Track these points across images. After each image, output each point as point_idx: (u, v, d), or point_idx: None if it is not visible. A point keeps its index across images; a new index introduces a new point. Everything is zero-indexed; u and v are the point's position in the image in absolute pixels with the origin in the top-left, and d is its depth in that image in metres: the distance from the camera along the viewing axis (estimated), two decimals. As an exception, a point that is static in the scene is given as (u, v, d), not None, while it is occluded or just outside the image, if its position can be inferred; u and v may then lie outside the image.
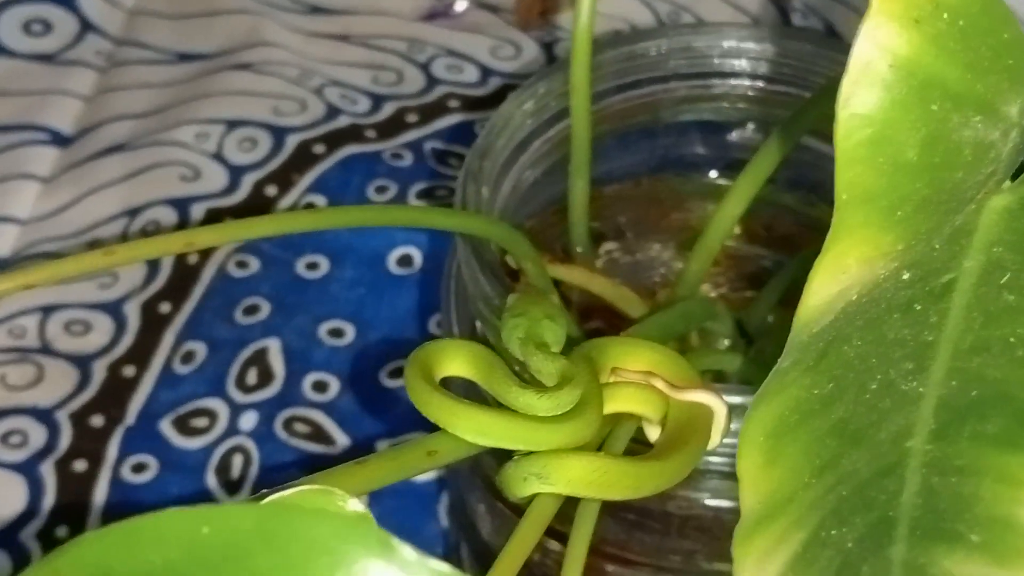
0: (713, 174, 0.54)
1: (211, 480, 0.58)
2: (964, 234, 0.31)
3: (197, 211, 0.67)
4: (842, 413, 0.33)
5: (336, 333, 0.63)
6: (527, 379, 0.36)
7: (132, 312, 0.63)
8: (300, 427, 0.59)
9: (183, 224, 0.66)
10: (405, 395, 0.35)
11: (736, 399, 0.39)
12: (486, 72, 0.73)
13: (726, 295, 0.54)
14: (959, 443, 0.33)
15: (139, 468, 0.58)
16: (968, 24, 0.27)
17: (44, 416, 0.60)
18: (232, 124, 0.70)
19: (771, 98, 0.51)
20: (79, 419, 0.60)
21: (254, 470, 0.58)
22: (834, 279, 0.29)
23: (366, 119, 0.71)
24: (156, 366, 0.62)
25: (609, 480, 0.34)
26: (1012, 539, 0.32)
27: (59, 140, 0.70)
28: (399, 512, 0.57)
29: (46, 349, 0.62)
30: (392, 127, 0.71)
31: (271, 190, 0.68)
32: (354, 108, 0.71)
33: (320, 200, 0.67)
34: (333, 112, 0.71)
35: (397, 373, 0.61)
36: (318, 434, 0.59)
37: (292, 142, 0.70)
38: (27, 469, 0.58)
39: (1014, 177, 0.31)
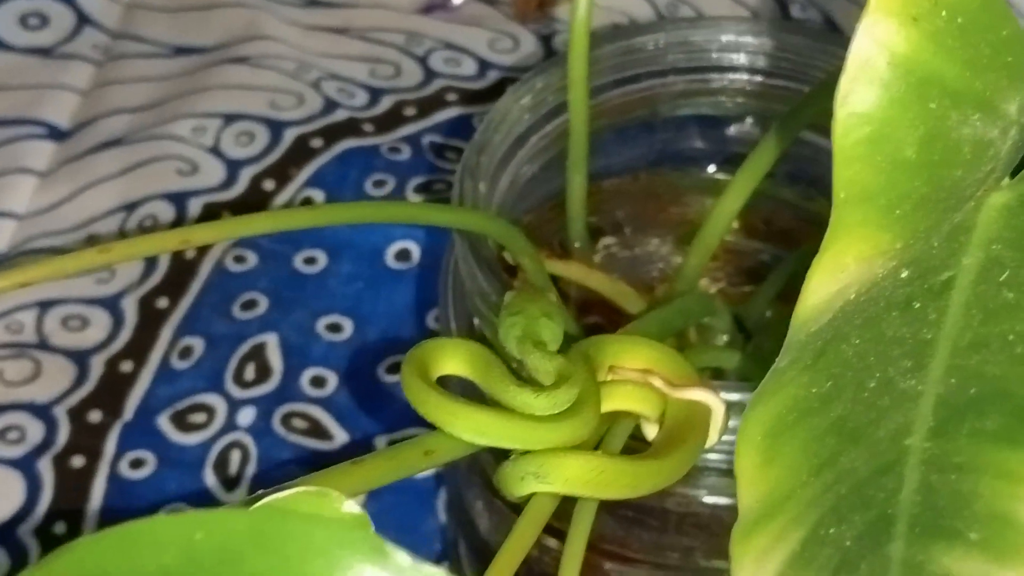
0: (711, 168, 0.54)
1: (209, 476, 0.58)
2: (963, 231, 0.31)
3: (194, 206, 0.67)
4: (840, 411, 0.33)
5: (334, 328, 0.63)
6: (524, 377, 0.36)
7: (129, 307, 0.63)
8: (298, 423, 0.59)
9: (180, 219, 0.66)
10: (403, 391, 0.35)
11: (734, 396, 0.39)
12: (484, 65, 0.73)
13: (725, 290, 0.54)
14: (958, 440, 0.33)
15: (137, 464, 0.58)
16: (967, 21, 0.26)
17: (42, 412, 0.60)
18: (229, 118, 0.70)
19: (769, 92, 0.51)
20: (77, 415, 0.60)
21: (252, 466, 0.58)
22: (832, 278, 0.29)
23: (364, 113, 0.71)
24: (154, 361, 0.61)
25: (607, 479, 0.34)
26: (1011, 536, 0.32)
27: (56, 134, 0.70)
28: (398, 508, 0.57)
29: (43, 344, 0.62)
30: (390, 121, 0.71)
31: (269, 184, 0.68)
32: (352, 102, 0.71)
33: (318, 194, 0.67)
34: (331, 106, 0.71)
35: (395, 368, 0.61)
36: (316, 430, 0.59)
37: (290, 136, 0.69)
38: (25, 465, 0.58)
39: (1013, 174, 0.31)
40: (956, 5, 0.26)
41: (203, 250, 0.65)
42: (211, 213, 0.66)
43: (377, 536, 0.21)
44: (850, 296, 0.29)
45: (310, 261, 0.65)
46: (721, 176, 0.54)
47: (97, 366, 0.61)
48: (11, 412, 0.59)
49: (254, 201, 0.67)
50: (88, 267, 0.37)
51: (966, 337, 0.33)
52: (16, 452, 0.58)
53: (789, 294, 0.40)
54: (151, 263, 0.64)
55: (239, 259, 0.64)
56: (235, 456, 0.58)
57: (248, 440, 0.59)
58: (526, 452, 0.34)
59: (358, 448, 0.59)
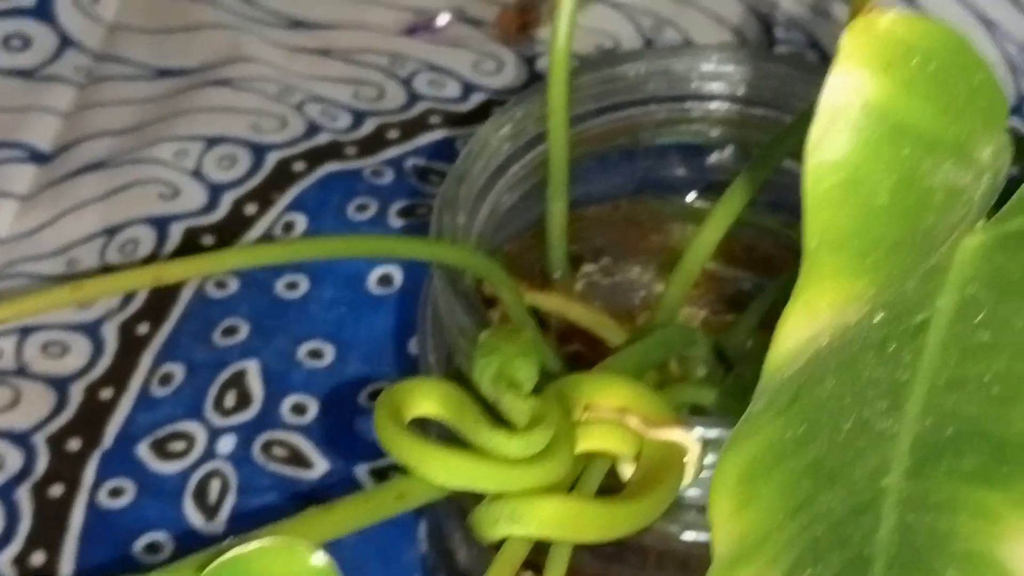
0: (693, 196, 0.54)
1: (188, 505, 0.57)
2: (938, 273, 0.31)
3: (176, 230, 0.66)
4: (816, 453, 0.33)
5: (315, 354, 0.62)
6: (500, 417, 0.35)
7: (110, 334, 0.63)
8: (278, 451, 0.59)
9: (162, 243, 0.66)
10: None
11: (713, 433, 0.39)
12: (468, 88, 0.73)
13: (707, 318, 0.54)
14: (935, 480, 0.33)
15: (116, 492, 0.58)
16: (939, 68, 0.26)
17: (21, 440, 0.59)
18: (212, 141, 0.70)
19: (750, 121, 0.51)
20: (56, 443, 0.59)
21: (231, 495, 0.58)
22: (805, 324, 0.28)
23: (347, 136, 0.70)
24: (134, 388, 0.61)
25: (581, 522, 0.34)
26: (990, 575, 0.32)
27: (37, 157, 0.70)
28: (380, 538, 0.56)
29: (23, 371, 0.61)
30: (373, 144, 0.70)
31: (251, 208, 0.67)
32: (335, 124, 0.71)
33: (300, 219, 0.67)
34: (313, 129, 0.71)
35: (376, 395, 0.61)
36: (296, 458, 0.59)
37: (272, 160, 0.69)
38: (3, 494, 0.57)
39: (989, 216, 0.31)
40: (928, 52, 0.26)
41: (184, 275, 0.64)
42: (193, 238, 0.66)
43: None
44: (823, 341, 0.29)
45: (292, 286, 0.64)
46: (702, 204, 0.54)
47: (77, 393, 0.61)
48: (-11, 440, 0.59)
49: (236, 225, 0.66)
50: (60, 305, 0.37)
51: (942, 377, 0.33)
52: (-6, 481, 0.58)
53: (770, 323, 0.39)
54: (132, 288, 0.64)
55: (220, 285, 0.64)
56: (215, 485, 0.58)
57: (228, 469, 0.58)
58: (500, 495, 0.34)
59: (339, 477, 0.59)
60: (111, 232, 0.66)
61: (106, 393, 0.61)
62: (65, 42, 0.75)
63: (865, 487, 0.33)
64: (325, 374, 0.62)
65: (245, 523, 0.57)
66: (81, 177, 0.69)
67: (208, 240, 0.66)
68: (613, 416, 0.36)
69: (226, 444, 0.59)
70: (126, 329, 0.63)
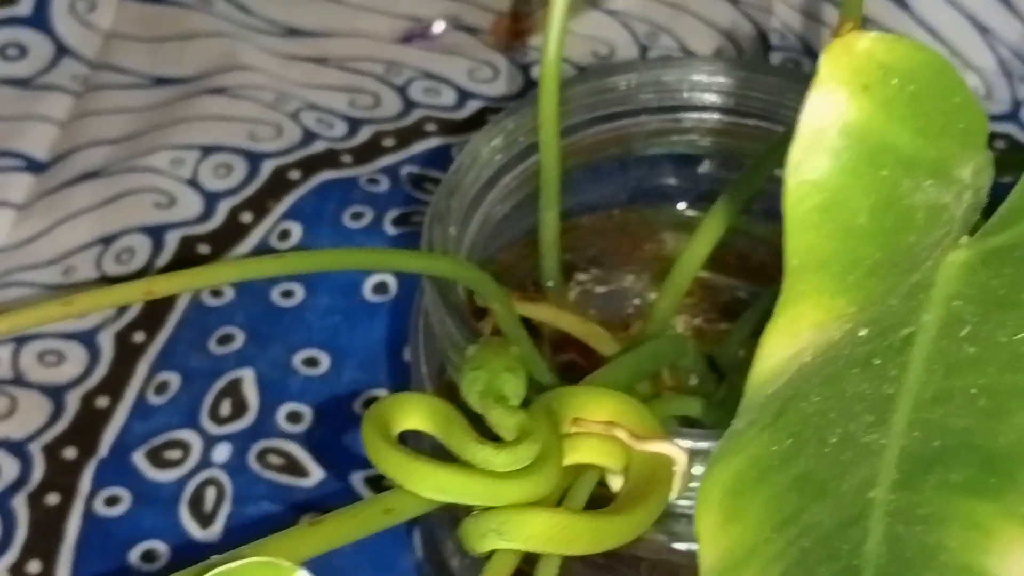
0: (686, 205, 0.54)
1: (184, 513, 0.58)
2: (922, 289, 0.31)
3: (172, 239, 0.66)
4: (802, 467, 0.33)
5: (311, 362, 0.62)
6: (488, 431, 0.36)
7: (106, 342, 0.63)
8: (274, 459, 0.59)
9: (157, 252, 0.66)
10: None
11: (702, 444, 0.39)
12: (463, 95, 0.73)
13: (701, 327, 0.54)
14: (923, 492, 0.33)
15: (112, 501, 0.58)
16: (918, 89, 0.26)
17: (16, 448, 0.60)
18: (207, 150, 0.70)
19: (741, 131, 0.51)
20: (52, 451, 0.59)
21: (227, 503, 0.58)
22: (787, 343, 0.29)
23: (342, 144, 0.71)
24: (130, 397, 0.61)
25: (568, 536, 0.34)
26: (980, 588, 0.32)
27: (34, 166, 0.70)
28: (374, 545, 0.56)
29: (19, 380, 0.62)
30: (369, 152, 0.70)
31: (246, 217, 0.67)
32: (330, 132, 0.71)
33: (295, 227, 0.67)
34: (309, 137, 0.71)
35: (372, 403, 0.61)
36: (292, 466, 0.59)
37: (268, 168, 0.69)
38: (-1, 503, 0.58)
39: (972, 232, 0.31)
40: (907, 73, 0.26)
41: (180, 284, 0.64)
42: (188, 246, 0.66)
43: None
44: (806, 359, 0.29)
45: (287, 294, 0.65)
46: (695, 213, 0.54)
47: (73, 402, 0.61)
48: (-14, 449, 0.59)
49: (232, 234, 0.66)
50: (50, 320, 0.37)
51: (928, 391, 0.33)
52: (-9, 490, 0.58)
53: (763, 332, 0.40)
54: (128, 297, 0.64)
55: (216, 293, 0.64)
56: (210, 493, 0.58)
57: (223, 477, 0.59)
58: (488, 508, 0.34)
59: (334, 485, 0.59)
60: (107, 241, 0.66)
61: (102, 402, 0.61)
62: (61, 51, 0.75)
63: (853, 500, 0.34)
64: (320, 382, 0.62)
65: (241, 531, 0.58)
66: (77, 186, 0.69)
67: (204, 249, 0.66)
68: (601, 429, 0.37)
69: (222, 452, 0.59)
70: (122, 338, 0.63)
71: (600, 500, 0.38)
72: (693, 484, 0.39)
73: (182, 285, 0.35)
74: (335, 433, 0.60)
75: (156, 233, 0.67)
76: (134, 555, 0.57)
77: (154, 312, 0.64)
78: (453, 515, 0.48)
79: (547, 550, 0.34)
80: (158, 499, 0.58)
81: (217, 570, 0.27)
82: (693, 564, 0.44)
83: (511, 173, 0.49)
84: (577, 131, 0.51)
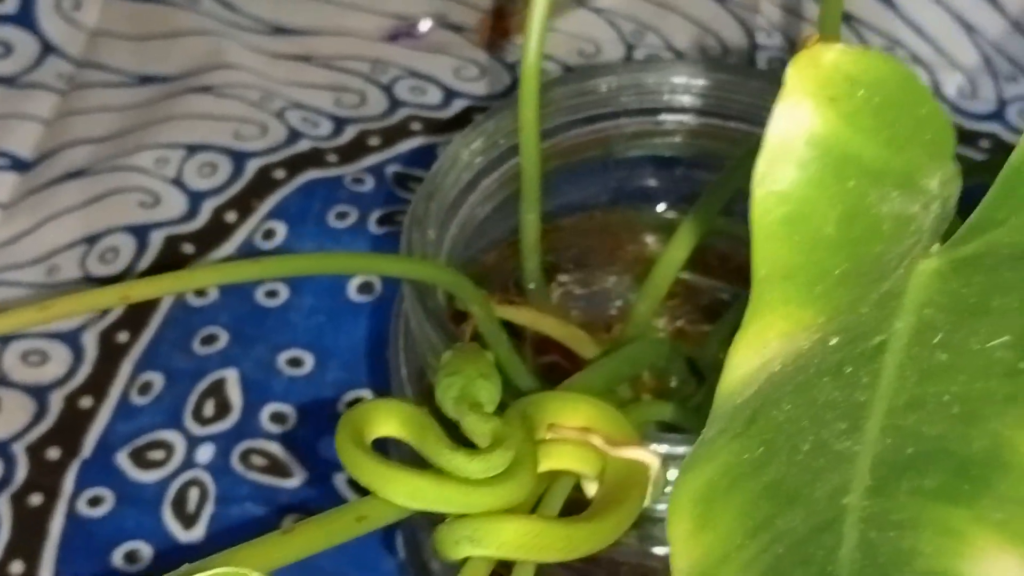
0: (662, 207, 0.54)
1: (167, 514, 0.58)
2: (893, 297, 0.31)
3: (156, 238, 0.66)
4: (775, 474, 0.33)
5: (295, 363, 0.62)
6: (463, 437, 0.36)
7: (90, 342, 0.63)
8: (257, 460, 0.59)
9: (142, 251, 0.66)
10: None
11: (678, 449, 0.39)
12: (449, 94, 0.73)
13: (683, 328, 0.54)
14: (897, 498, 0.33)
15: (95, 501, 0.58)
16: (884, 101, 0.26)
17: (0, 448, 0.59)
18: (192, 149, 0.70)
19: (721, 133, 0.51)
20: (35, 451, 0.59)
21: (210, 504, 0.58)
22: (756, 353, 0.29)
23: (328, 143, 0.71)
24: (113, 397, 0.61)
25: (541, 543, 0.34)
26: (954, 593, 0.32)
27: (19, 165, 0.70)
28: (358, 545, 0.56)
29: (2, 380, 0.62)
30: (354, 151, 0.70)
31: (231, 216, 0.67)
32: (316, 131, 0.71)
33: (280, 226, 0.67)
34: (294, 136, 0.71)
35: (355, 403, 0.61)
36: (275, 467, 0.59)
37: (252, 167, 0.69)
38: (-18, 504, 0.58)
39: (942, 241, 0.31)
40: (873, 85, 0.26)
41: (164, 284, 0.64)
42: (173, 245, 0.66)
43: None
44: (775, 368, 0.29)
45: (272, 294, 0.64)
46: (676, 215, 0.54)
47: (56, 402, 0.61)
48: (-31, 450, 0.59)
49: (216, 233, 0.66)
50: (27, 324, 0.37)
51: (901, 398, 0.33)
52: (-26, 491, 0.58)
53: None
54: (112, 297, 0.64)
55: (200, 293, 0.64)
56: (193, 494, 0.58)
57: (206, 478, 0.59)
58: (461, 515, 0.34)
59: (317, 485, 0.59)
60: (91, 240, 0.66)
61: (86, 402, 0.61)
62: (47, 49, 0.75)
63: (826, 506, 0.34)
64: (304, 383, 0.62)
65: (224, 532, 0.58)
66: (62, 185, 0.69)
67: (188, 248, 0.66)
68: (576, 435, 0.37)
69: (205, 453, 0.59)
70: (106, 338, 0.63)
71: (576, 504, 0.38)
72: (668, 489, 0.39)
73: (159, 290, 0.35)
74: (319, 434, 0.60)
75: (140, 232, 0.67)
76: (117, 555, 0.57)
77: (138, 312, 0.64)
78: (434, 517, 0.48)
79: (520, 557, 0.34)
80: (141, 500, 0.58)
81: (186, 581, 0.27)
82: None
83: (491, 176, 0.50)
84: (558, 133, 0.51)
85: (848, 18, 0.72)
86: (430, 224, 0.46)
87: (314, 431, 0.60)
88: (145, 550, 0.57)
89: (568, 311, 0.53)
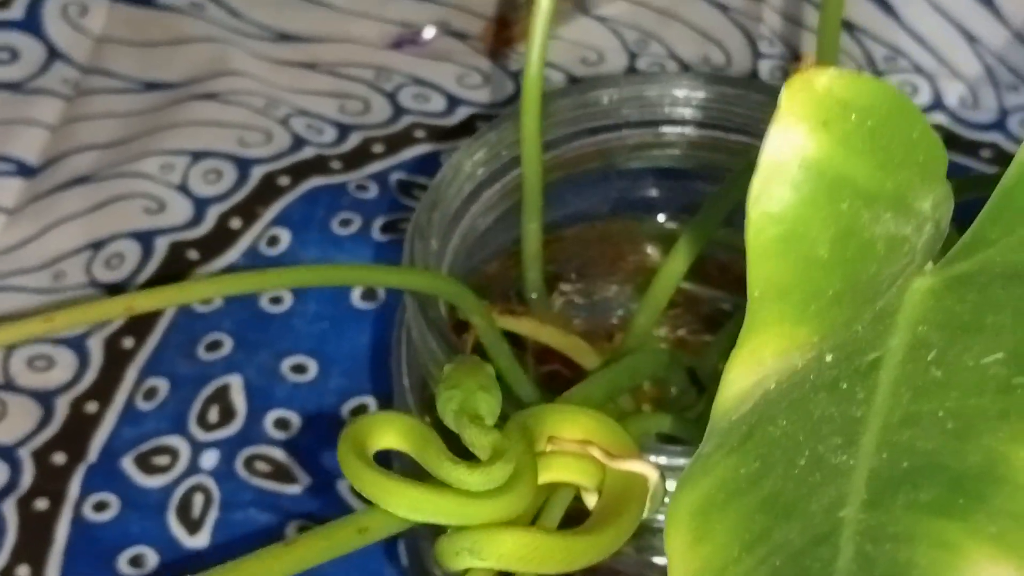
0: (662, 218, 0.54)
1: (172, 519, 0.58)
2: (888, 315, 0.32)
3: (161, 244, 0.67)
4: (771, 489, 0.33)
5: (299, 369, 0.63)
6: (464, 449, 0.36)
7: (95, 347, 0.63)
8: (261, 465, 0.60)
9: (147, 257, 0.66)
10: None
11: (677, 461, 0.39)
12: (453, 101, 0.73)
13: (684, 338, 0.54)
14: (893, 511, 0.34)
15: (100, 507, 0.59)
16: (877, 124, 0.27)
17: (6, 454, 0.60)
18: (197, 155, 0.70)
19: (722, 145, 0.51)
20: (41, 457, 0.60)
21: (214, 509, 0.58)
22: (751, 371, 0.29)
23: (332, 150, 0.71)
24: (118, 402, 0.62)
25: (541, 555, 0.34)
26: (950, 604, 0.33)
27: (25, 171, 0.70)
28: (360, 553, 0.57)
29: (9, 385, 0.62)
30: (358, 158, 0.71)
31: (236, 223, 0.68)
32: (320, 138, 0.72)
33: (284, 233, 0.67)
34: (299, 143, 0.71)
35: (359, 410, 0.61)
36: (279, 472, 0.59)
37: (257, 174, 0.70)
38: (-11, 509, 0.58)
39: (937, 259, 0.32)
40: (866, 109, 0.26)
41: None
42: (178, 252, 0.67)
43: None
44: (771, 385, 0.30)
45: (276, 301, 0.65)
46: (676, 225, 0.54)
47: (62, 407, 0.62)
48: (-25, 455, 0.60)
49: (221, 240, 0.67)
50: (31, 336, 0.38)
51: (896, 414, 0.33)
52: (-20, 496, 0.59)
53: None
54: (117, 303, 0.64)
55: (204, 299, 0.65)
56: (198, 499, 0.59)
57: (211, 483, 0.59)
58: (462, 527, 0.34)
59: (321, 491, 0.59)
60: (96, 246, 0.67)
61: (91, 407, 0.62)
62: (53, 55, 0.75)
63: (822, 519, 0.34)
64: (308, 389, 0.62)
65: (228, 538, 0.58)
66: (67, 191, 0.69)
67: (193, 254, 0.66)
68: (576, 448, 0.37)
69: (209, 459, 0.60)
70: (111, 344, 0.63)
71: (576, 515, 0.38)
72: (668, 501, 0.40)
73: (163, 301, 0.35)
74: (322, 440, 0.61)
75: (145, 239, 0.67)
76: (122, 561, 0.57)
77: (143, 318, 0.64)
78: (436, 527, 0.49)
79: (520, 569, 0.34)
80: (146, 505, 0.59)
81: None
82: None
83: (494, 186, 0.50)
84: (560, 144, 0.51)
85: (850, 28, 0.72)
86: (433, 235, 0.46)
87: (317, 437, 0.61)
88: (150, 555, 0.57)
89: (569, 321, 0.54)
